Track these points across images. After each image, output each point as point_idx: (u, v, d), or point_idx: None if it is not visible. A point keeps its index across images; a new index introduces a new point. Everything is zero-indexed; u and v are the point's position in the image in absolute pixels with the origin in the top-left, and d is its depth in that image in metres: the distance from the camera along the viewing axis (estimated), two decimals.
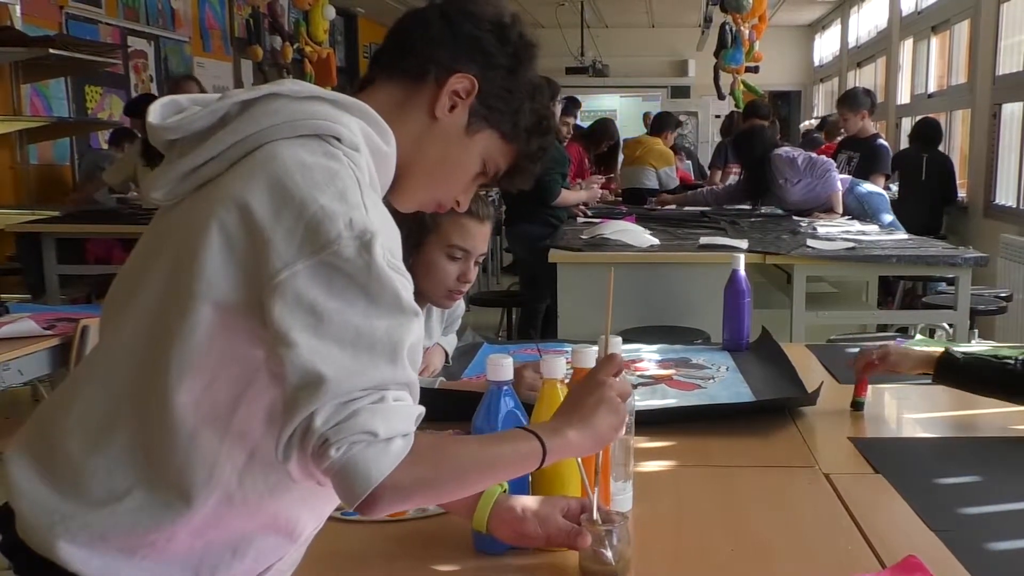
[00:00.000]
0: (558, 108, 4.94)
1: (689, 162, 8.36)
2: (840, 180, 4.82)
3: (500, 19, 1.11)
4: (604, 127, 6.91)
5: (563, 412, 1.10)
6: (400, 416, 0.91)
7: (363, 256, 0.90)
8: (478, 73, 1.08)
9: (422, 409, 0.95)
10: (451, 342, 2.18)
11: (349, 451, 0.88)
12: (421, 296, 1.92)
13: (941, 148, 6.56)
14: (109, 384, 1.00)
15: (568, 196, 4.82)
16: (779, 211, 5.51)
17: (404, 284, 0.94)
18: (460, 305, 2.11)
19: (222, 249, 0.92)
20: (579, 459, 1.13)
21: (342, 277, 0.90)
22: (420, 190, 1.13)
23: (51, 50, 5.16)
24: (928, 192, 6.11)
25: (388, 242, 0.93)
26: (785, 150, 5.02)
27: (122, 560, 0.98)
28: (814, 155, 5.00)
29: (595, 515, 1.10)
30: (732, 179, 6.03)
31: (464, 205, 1.17)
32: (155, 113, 1.00)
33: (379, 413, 0.89)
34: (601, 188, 5.82)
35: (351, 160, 0.97)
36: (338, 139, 0.98)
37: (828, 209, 4.79)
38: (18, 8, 5.53)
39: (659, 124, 7.13)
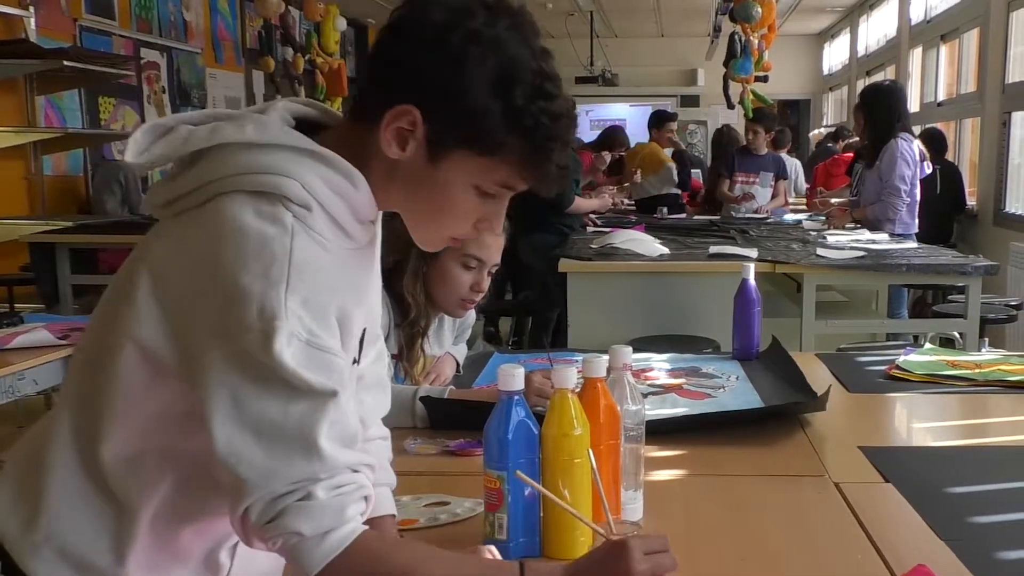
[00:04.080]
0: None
1: (699, 170, 8.37)
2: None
3: (441, 23, 0.96)
4: (614, 135, 6.92)
5: (575, 571, 0.99)
6: (330, 511, 0.91)
7: (265, 350, 0.89)
8: (419, 99, 0.96)
9: (368, 491, 0.96)
10: (461, 351, 2.19)
11: (285, 545, 0.92)
12: (434, 304, 1.94)
13: (949, 157, 6.56)
14: (62, 410, 1.05)
15: (581, 204, 4.82)
16: (788, 219, 5.49)
17: (319, 364, 0.92)
18: (471, 315, 2.12)
19: (156, 301, 0.95)
20: (594, 466, 1.13)
21: (253, 366, 0.90)
22: (421, 231, 1.07)
23: (65, 62, 5.20)
24: (940, 202, 6.10)
25: (305, 317, 0.92)
26: (918, 146, 4.52)
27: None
28: (910, 178, 4.43)
29: (611, 525, 1.10)
30: (739, 189, 6.00)
31: (495, 228, 1.07)
32: (131, 151, 1.00)
33: (304, 512, 0.91)
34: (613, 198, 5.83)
35: (297, 223, 0.95)
36: (288, 198, 0.95)
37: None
38: (33, 21, 5.58)
39: (651, 125, 7.16)
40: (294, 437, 0.91)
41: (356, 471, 0.95)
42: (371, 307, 1.16)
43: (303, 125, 1.05)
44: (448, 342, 2.11)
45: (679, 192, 6.88)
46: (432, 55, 0.96)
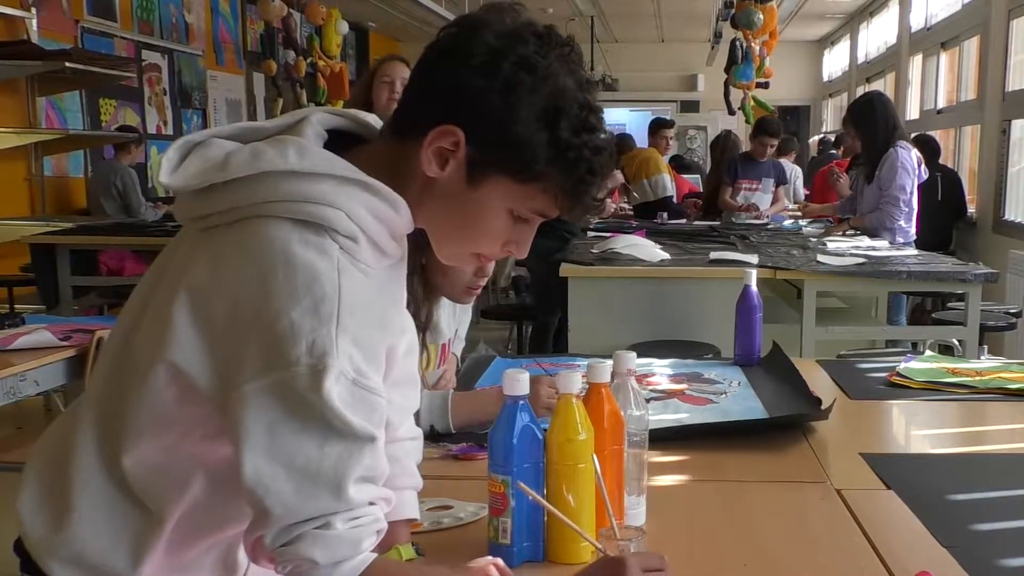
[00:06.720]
0: None
1: (697, 175, 8.39)
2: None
3: (492, 48, 0.96)
4: (621, 142, 6.96)
5: None
6: (346, 542, 0.92)
7: (313, 387, 0.89)
8: (465, 120, 0.96)
9: (382, 525, 0.96)
10: (459, 348, 2.18)
11: (295, 570, 0.92)
12: (436, 293, 1.93)
13: (946, 163, 6.57)
14: (86, 415, 1.04)
15: None
16: (788, 225, 5.50)
17: (363, 404, 0.93)
18: (468, 311, 2.12)
19: (196, 325, 0.94)
20: (598, 471, 1.14)
21: (296, 401, 0.90)
22: (447, 248, 1.07)
23: (67, 63, 5.22)
24: (941, 208, 6.11)
25: (355, 356, 0.92)
26: (916, 154, 4.50)
27: None
28: (910, 187, 4.45)
29: (614, 530, 1.10)
30: (741, 196, 6.01)
31: (522, 252, 1.08)
32: (164, 169, 0.99)
33: (320, 541, 0.91)
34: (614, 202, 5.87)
35: (343, 255, 0.94)
36: (335, 230, 0.94)
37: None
38: (35, 22, 5.60)
39: (650, 132, 7.20)
40: (326, 478, 0.91)
41: (373, 504, 0.95)
42: (405, 316, 1.17)
43: (336, 137, 1.04)
44: (447, 332, 2.09)
45: (672, 196, 6.90)
46: (482, 80, 0.96)
